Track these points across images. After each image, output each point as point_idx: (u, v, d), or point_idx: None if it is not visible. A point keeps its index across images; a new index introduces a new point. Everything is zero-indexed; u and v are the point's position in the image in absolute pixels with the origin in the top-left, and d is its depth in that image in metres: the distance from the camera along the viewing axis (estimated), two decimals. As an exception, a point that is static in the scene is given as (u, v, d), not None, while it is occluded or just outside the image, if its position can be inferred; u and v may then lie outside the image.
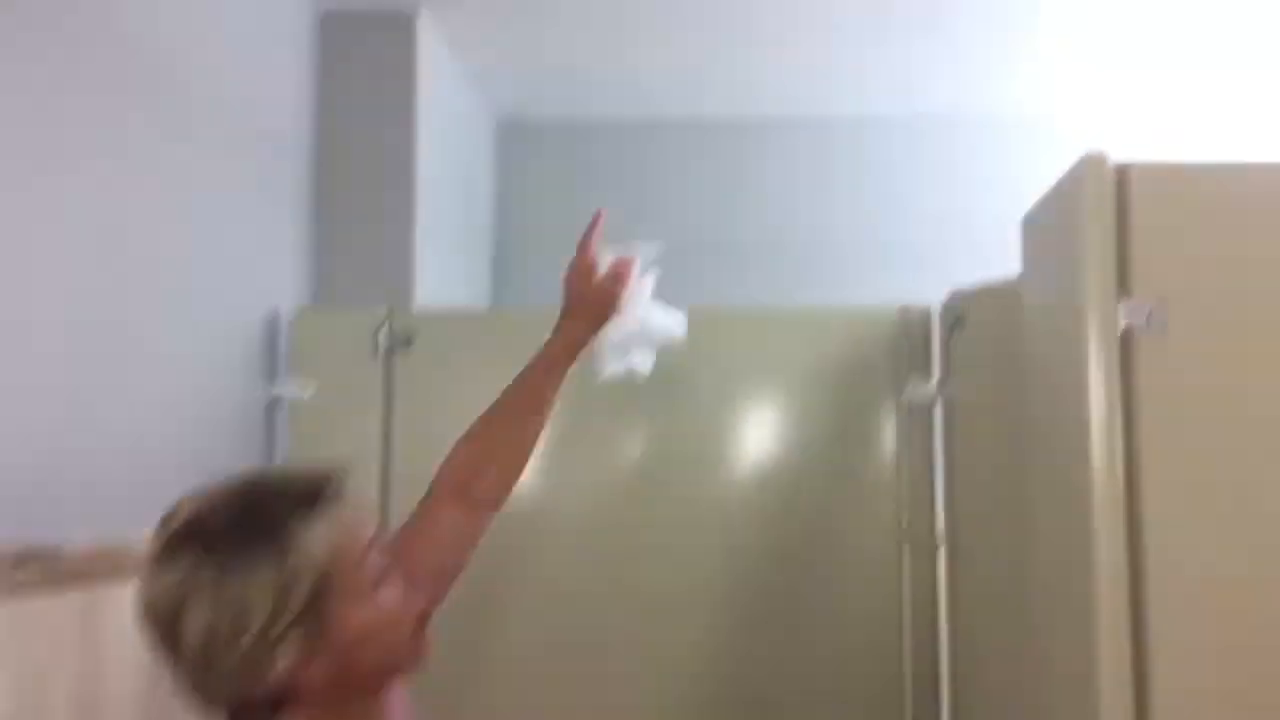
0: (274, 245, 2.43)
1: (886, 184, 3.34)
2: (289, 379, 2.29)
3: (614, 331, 1.44)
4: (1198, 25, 2.69)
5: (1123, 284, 1.35)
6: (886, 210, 3.31)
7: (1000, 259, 1.90)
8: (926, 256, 3.09)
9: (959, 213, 3.22)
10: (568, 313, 1.46)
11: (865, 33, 2.79)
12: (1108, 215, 1.34)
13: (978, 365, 2.07)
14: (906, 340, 2.24)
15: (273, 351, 2.34)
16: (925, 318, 2.24)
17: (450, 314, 2.58)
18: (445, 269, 2.87)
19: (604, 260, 1.46)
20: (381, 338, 2.28)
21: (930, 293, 2.22)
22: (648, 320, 1.46)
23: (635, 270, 1.45)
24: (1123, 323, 1.33)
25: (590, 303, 1.45)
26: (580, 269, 1.45)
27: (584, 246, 1.46)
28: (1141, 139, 2.97)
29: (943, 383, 2.19)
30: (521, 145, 3.43)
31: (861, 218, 3.31)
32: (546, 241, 3.31)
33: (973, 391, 2.08)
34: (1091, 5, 2.61)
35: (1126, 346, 1.34)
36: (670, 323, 1.49)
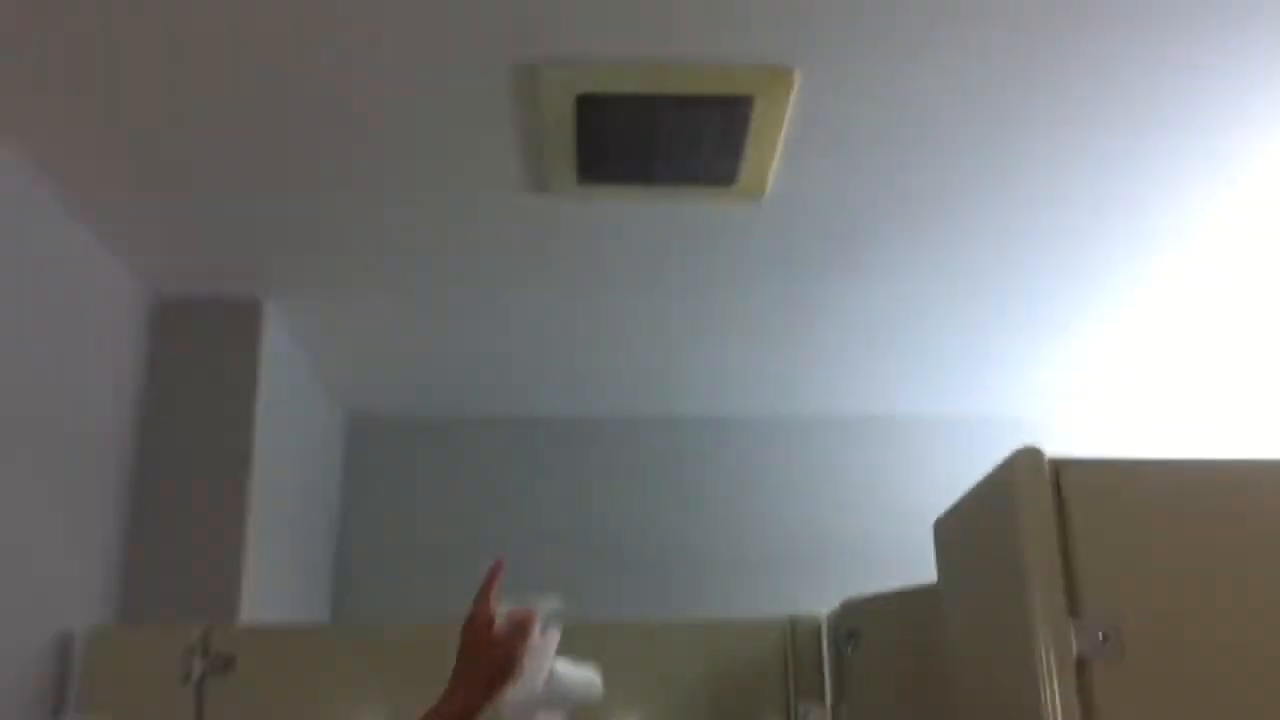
0: (72, 552, 2.17)
1: (767, 488, 3.19)
2: (78, 714, 2.02)
3: (517, 693, 1.32)
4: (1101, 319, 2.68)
5: (1071, 600, 1.20)
6: (768, 516, 3.15)
7: (898, 567, 1.79)
8: (815, 564, 2.94)
9: (847, 518, 3.09)
10: (462, 675, 1.32)
11: (731, 337, 2.75)
12: (1049, 520, 1.20)
13: (878, 683, 1.93)
14: (795, 655, 2.09)
15: (61, 681, 2.05)
16: (815, 630, 2.09)
17: (280, 631, 2.33)
18: (278, 578, 2.61)
19: (499, 614, 1.36)
20: (195, 661, 2.03)
21: (825, 600, 2.08)
22: (555, 680, 1.35)
23: (536, 627, 1.34)
24: (1075, 650, 1.19)
25: (487, 665, 1.32)
26: (477, 625, 1.33)
27: (482, 599, 1.36)
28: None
29: (836, 703, 2.03)
30: (373, 441, 3.21)
31: (739, 523, 3.14)
32: (399, 547, 3.08)
33: (872, 714, 1.92)
34: (963, 311, 2.62)
35: (1081, 673, 1.19)
36: (583, 681, 1.41)
